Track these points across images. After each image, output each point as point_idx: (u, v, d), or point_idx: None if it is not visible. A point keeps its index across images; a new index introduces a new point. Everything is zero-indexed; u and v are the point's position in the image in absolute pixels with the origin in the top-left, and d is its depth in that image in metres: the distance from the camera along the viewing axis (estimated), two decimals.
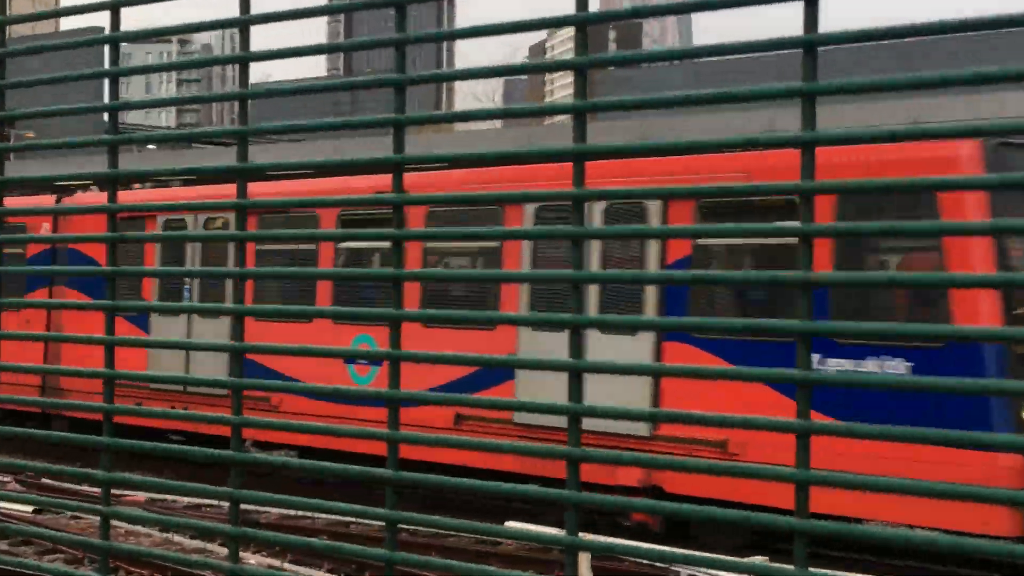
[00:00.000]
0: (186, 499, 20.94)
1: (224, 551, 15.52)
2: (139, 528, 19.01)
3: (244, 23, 1.84)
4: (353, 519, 19.50)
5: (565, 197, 1.94)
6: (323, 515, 19.19)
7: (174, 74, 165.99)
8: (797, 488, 1.89)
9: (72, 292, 24.73)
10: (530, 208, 18.40)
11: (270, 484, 19.23)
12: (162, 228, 23.46)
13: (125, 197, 22.05)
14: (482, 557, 17.88)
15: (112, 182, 2.26)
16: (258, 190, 22.50)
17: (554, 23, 1.63)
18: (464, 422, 20.04)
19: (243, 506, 2.30)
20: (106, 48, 2.16)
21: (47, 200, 25.72)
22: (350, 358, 19.53)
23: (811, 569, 1.83)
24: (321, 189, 24.09)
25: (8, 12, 2.27)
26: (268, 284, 23.07)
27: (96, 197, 24.44)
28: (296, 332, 21.24)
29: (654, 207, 18.51)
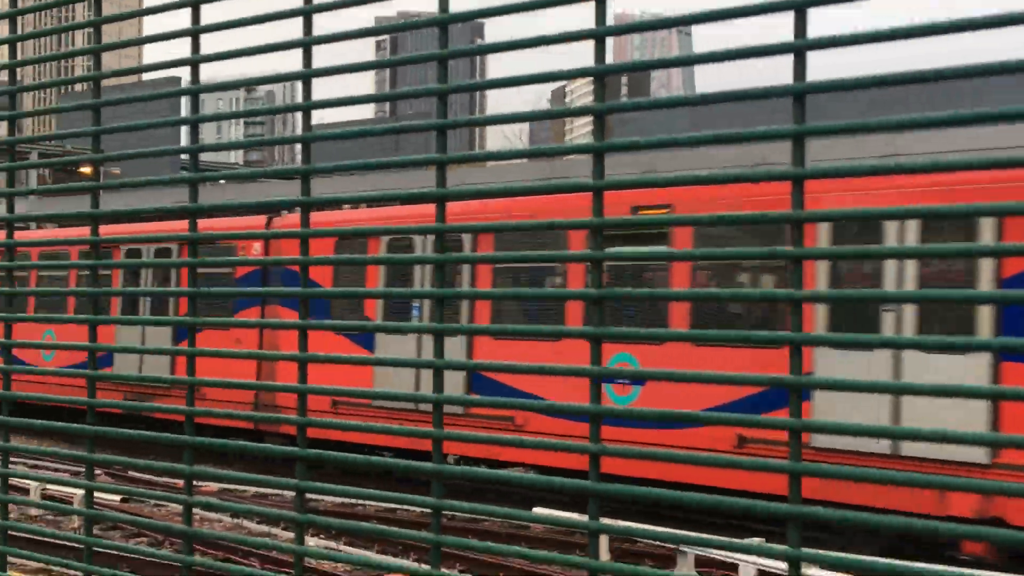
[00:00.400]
0: (253, 489, 20.90)
1: (287, 535, 15.49)
2: (211, 515, 19.11)
3: (307, 76, 1.87)
4: (399, 507, 19.47)
5: (584, 225, 1.95)
6: (373, 503, 19.17)
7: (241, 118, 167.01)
8: None
9: (284, 311, 23.07)
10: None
11: (324, 476, 19.23)
12: (387, 248, 21.07)
13: (336, 218, 21.83)
14: (513, 539, 17.76)
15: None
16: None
17: (576, 74, 1.65)
18: (748, 444, 17.49)
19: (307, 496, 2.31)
20: (184, 99, 2.19)
21: (259, 221, 23.87)
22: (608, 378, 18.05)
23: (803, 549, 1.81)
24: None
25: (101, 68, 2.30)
26: (509, 304, 21.12)
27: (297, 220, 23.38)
28: (544, 350, 19.02)
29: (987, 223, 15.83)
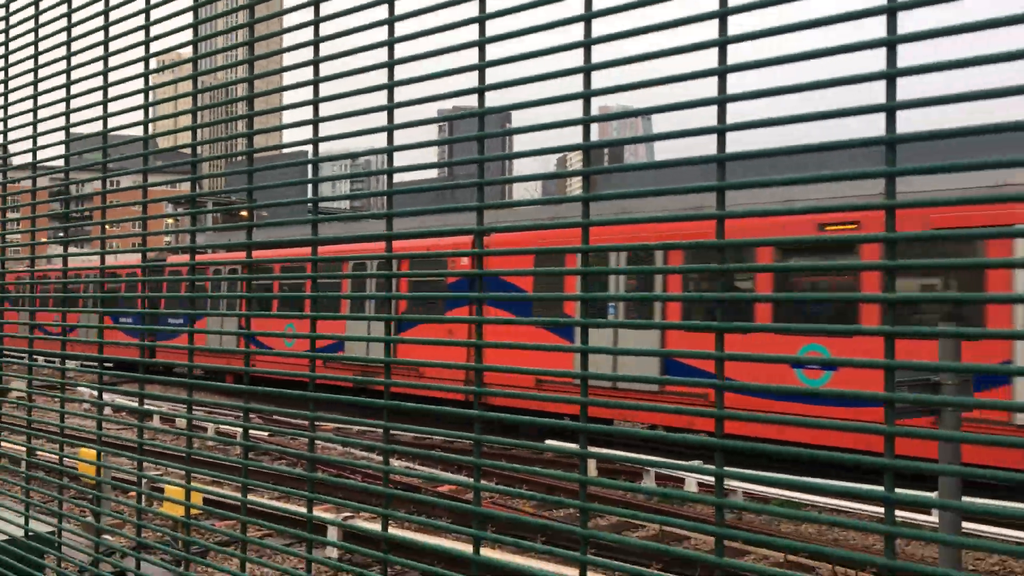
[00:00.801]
0: (357, 427, 20.68)
1: (379, 459, 15.41)
2: (329, 445, 18.94)
3: (390, 151, 1.87)
4: (456, 439, 19.17)
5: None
6: (439, 435, 18.94)
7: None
8: None
9: (493, 309, 20.68)
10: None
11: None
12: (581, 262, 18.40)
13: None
14: (532, 462, 17.21)
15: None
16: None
17: (570, 148, 1.65)
18: None
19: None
20: (308, 166, 2.20)
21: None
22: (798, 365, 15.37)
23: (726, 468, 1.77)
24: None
25: (253, 143, 2.31)
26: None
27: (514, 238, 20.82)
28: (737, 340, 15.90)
29: None
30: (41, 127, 3.10)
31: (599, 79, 1.57)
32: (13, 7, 3.23)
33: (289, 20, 2.13)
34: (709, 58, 1.43)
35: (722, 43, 1.36)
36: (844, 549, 11.75)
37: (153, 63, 2.56)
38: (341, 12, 1.98)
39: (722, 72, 1.35)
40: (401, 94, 1.91)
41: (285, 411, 2.14)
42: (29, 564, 3.35)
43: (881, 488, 1.19)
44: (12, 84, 3.26)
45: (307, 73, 2.07)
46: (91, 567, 2.97)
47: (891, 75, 1.19)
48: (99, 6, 2.73)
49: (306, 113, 2.06)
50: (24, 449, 3.26)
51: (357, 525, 8.69)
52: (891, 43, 1.19)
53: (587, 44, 1.55)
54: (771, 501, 13.01)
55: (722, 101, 1.34)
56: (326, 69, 2.04)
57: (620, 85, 1.48)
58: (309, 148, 2.20)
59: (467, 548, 1.65)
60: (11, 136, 3.26)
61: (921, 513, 11.43)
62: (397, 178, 2.01)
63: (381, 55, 1.90)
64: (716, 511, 1.32)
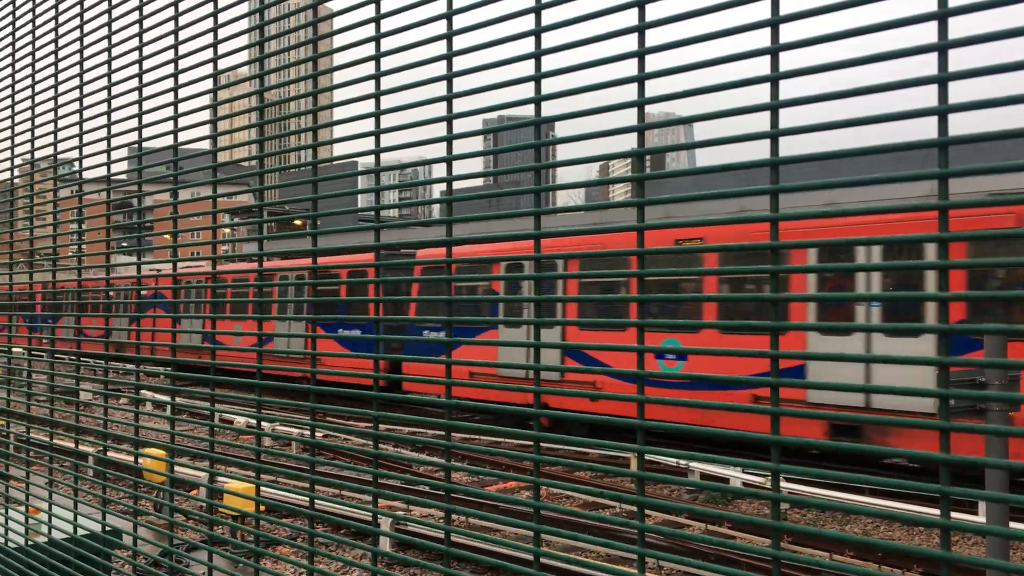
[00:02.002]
0: (408, 429, 20.73)
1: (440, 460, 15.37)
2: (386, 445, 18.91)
3: (449, 160, 1.90)
4: (504, 439, 19.12)
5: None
6: (483, 438, 18.87)
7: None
8: None
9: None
10: None
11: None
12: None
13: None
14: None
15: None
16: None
17: (621, 155, 1.67)
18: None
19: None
20: (360, 178, 2.24)
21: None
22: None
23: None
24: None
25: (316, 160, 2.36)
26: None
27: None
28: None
29: None
30: (114, 142, 3.19)
31: (651, 88, 1.59)
32: (87, 27, 3.33)
33: (351, 36, 2.17)
34: (761, 65, 1.43)
35: (774, 51, 1.37)
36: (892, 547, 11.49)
37: (221, 79, 2.62)
38: (401, 28, 2.02)
39: (775, 79, 1.36)
40: (459, 105, 1.95)
41: (352, 411, 2.18)
42: (95, 562, 3.44)
43: (936, 484, 1.19)
44: (87, 101, 3.35)
45: (369, 87, 2.11)
46: (157, 563, 3.05)
47: (943, 79, 1.19)
48: (169, 26, 2.80)
49: (368, 125, 2.11)
50: (97, 449, 3.35)
51: (414, 519, 8.72)
52: (942, 48, 1.19)
53: (640, 54, 1.56)
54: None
55: (775, 107, 1.35)
56: (387, 83, 2.08)
57: (673, 93, 1.50)
58: (367, 159, 2.24)
59: (525, 545, 1.67)
60: (86, 151, 3.36)
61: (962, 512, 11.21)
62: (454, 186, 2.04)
63: (440, 68, 1.94)
64: (772, 505, 1.32)
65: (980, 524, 1.22)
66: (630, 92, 1.63)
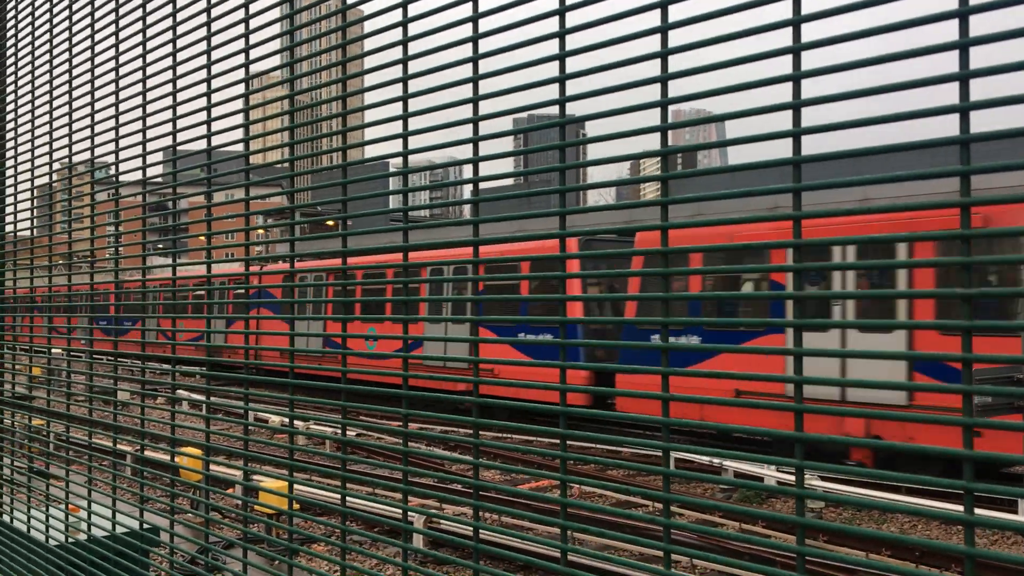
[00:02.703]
0: (439, 427, 20.75)
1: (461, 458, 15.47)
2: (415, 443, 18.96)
3: (476, 161, 1.93)
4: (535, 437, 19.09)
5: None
6: (517, 436, 18.85)
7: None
8: None
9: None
10: None
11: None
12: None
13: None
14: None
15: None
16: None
17: (648, 155, 1.68)
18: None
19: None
20: (391, 180, 2.27)
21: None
22: None
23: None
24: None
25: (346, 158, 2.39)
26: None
27: None
28: None
29: None
30: (149, 146, 3.25)
31: (675, 88, 1.61)
32: (123, 34, 3.40)
33: (379, 40, 2.21)
34: (784, 65, 1.44)
35: (796, 50, 1.38)
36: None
37: (254, 84, 2.67)
38: (428, 32, 2.04)
39: (797, 78, 1.37)
40: (485, 107, 1.97)
41: (383, 409, 2.20)
42: (134, 559, 3.51)
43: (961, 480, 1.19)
44: (122, 107, 3.42)
45: (397, 90, 2.14)
46: (194, 560, 3.11)
47: (964, 77, 1.19)
48: (202, 32, 2.86)
49: (396, 128, 2.14)
50: (135, 448, 3.42)
51: (446, 516, 8.71)
52: (963, 46, 1.20)
53: (664, 54, 1.58)
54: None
55: (797, 106, 1.36)
56: (415, 85, 2.11)
57: (697, 93, 1.51)
58: (396, 160, 2.28)
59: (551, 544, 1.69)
60: (122, 155, 3.43)
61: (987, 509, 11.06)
62: (480, 186, 2.06)
63: (466, 71, 1.97)
64: (797, 501, 1.34)
65: (1003, 520, 1.22)
66: (654, 92, 1.65)
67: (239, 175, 2.67)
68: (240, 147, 2.74)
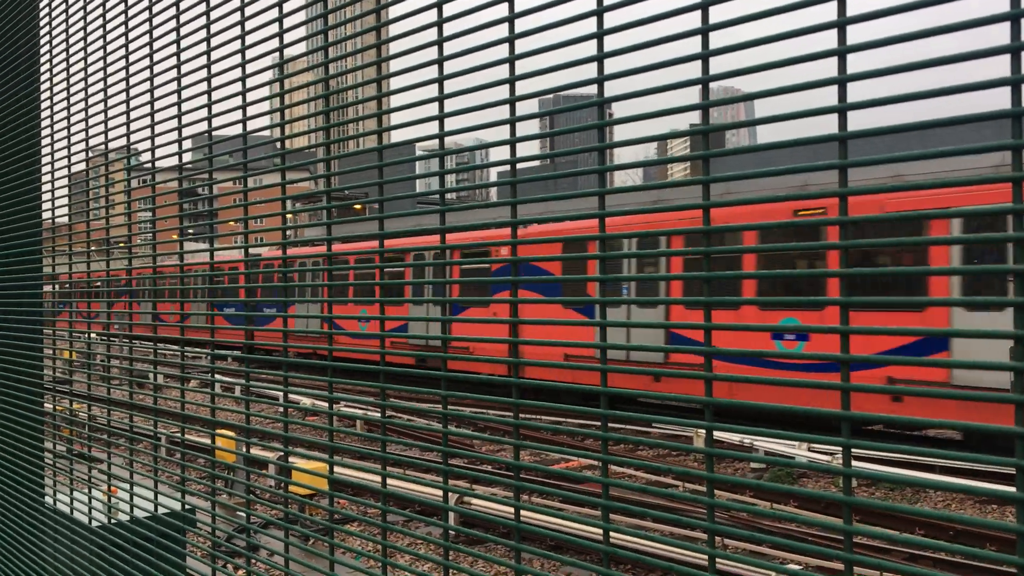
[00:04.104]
0: (469, 410, 20.82)
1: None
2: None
3: (513, 143, 1.92)
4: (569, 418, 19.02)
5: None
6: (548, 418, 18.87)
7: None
8: None
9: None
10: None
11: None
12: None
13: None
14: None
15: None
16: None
17: (683, 134, 1.67)
18: None
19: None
20: (418, 164, 2.27)
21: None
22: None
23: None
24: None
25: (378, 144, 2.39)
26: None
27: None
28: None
29: None
30: (185, 132, 3.27)
31: (715, 65, 1.59)
32: (156, 20, 3.42)
33: (415, 22, 2.20)
34: (827, 40, 1.42)
35: (841, 24, 1.36)
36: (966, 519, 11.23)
37: (287, 68, 2.67)
38: (464, 12, 2.03)
39: (841, 53, 1.35)
40: (521, 88, 1.96)
41: (420, 391, 2.22)
42: (174, 538, 3.56)
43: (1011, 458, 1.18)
44: (157, 92, 3.44)
45: (432, 72, 2.14)
46: (230, 540, 3.15)
47: (1016, 49, 1.17)
48: (235, 17, 2.87)
49: (432, 110, 2.14)
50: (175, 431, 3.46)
51: (484, 495, 8.81)
52: (1015, 17, 1.17)
53: (704, 31, 1.56)
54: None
55: (842, 81, 1.34)
56: (450, 67, 2.10)
57: (738, 69, 1.49)
58: (431, 143, 2.27)
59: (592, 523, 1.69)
60: (158, 140, 3.45)
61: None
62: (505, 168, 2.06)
63: (502, 51, 1.96)
64: (844, 480, 1.33)
65: None
66: (693, 70, 1.63)
67: (278, 159, 2.68)
68: (276, 132, 2.75)
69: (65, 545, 4.39)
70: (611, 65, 1.78)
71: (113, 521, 4.06)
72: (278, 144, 2.71)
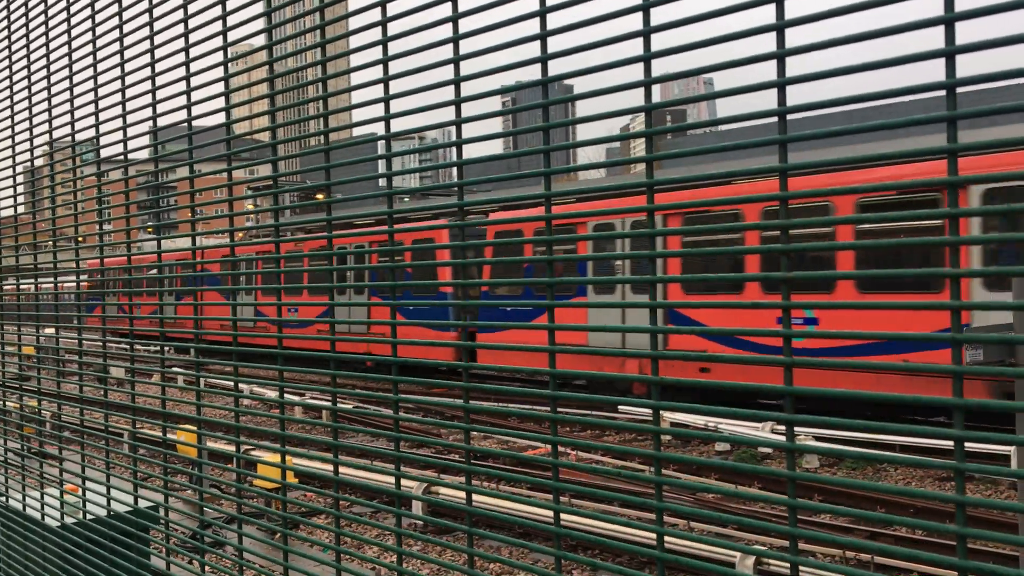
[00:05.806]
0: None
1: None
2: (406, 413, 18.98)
3: (459, 123, 1.91)
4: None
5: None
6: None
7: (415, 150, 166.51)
8: None
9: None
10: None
11: None
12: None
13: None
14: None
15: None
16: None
17: (633, 111, 1.67)
18: None
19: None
20: (380, 143, 2.25)
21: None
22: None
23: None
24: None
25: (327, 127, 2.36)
26: None
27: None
28: None
29: None
30: (129, 119, 3.21)
31: (658, 42, 1.58)
32: (98, 5, 3.35)
33: (357, 2, 2.17)
34: (767, 14, 1.42)
35: (779, 27, 1.36)
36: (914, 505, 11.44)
37: (231, 53, 2.63)
38: (408, 10, 2.01)
39: (780, 28, 1.34)
40: (467, 67, 1.94)
41: (375, 377, 2.20)
42: (137, 537, 3.51)
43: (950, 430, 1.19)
44: (101, 79, 3.38)
45: (376, 53, 2.11)
46: (195, 535, 3.12)
47: (949, 20, 1.18)
48: (179, 14, 2.81)
49: (376, 92, 2.11)
50: (129, 424, 3.41)
51: (443, 482, 8.82)
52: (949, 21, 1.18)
53: (646, 7, 1.55)
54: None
55: (781, 55, 1.34)
56: (395, 48, 2.08)
57: (679, 46, 1.49)
58: (379, 127, 2.25)
59: (545, 508, 1.69)
60: (103, 128, 3.39)
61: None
62: (466, 150, 2.04)
63: (447, 31, 1.93)
64: (787, 456, 1.33)
65: (992, 467, 1.22)
66: (636, 47, 1.62)
67: (219, 148, 2.64)
68: (220, 119, 2.70)
69: (20, 544, 4.31)
70: (555, 43, 1.77)
71: (72, 520, 3.98)
72: (225, 132, 2.67)
